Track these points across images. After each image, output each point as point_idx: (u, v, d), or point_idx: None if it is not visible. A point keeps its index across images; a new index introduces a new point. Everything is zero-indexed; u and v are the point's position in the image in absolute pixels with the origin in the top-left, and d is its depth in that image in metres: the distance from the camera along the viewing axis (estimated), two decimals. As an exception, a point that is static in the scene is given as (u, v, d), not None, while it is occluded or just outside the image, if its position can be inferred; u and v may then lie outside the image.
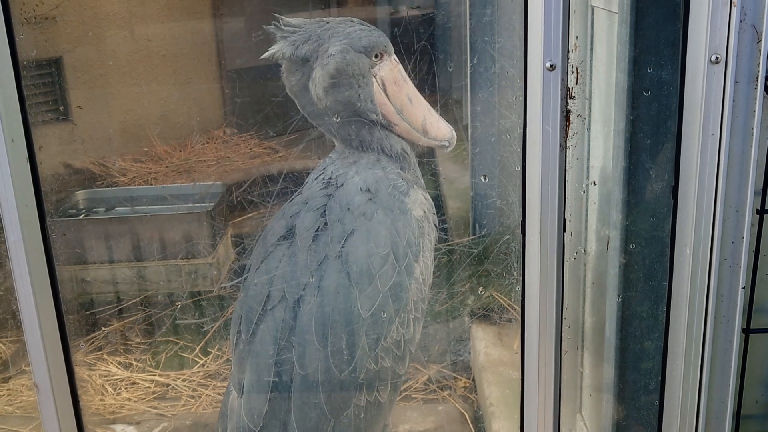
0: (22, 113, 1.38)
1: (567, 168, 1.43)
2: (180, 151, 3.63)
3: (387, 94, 1.61)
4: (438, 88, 1.84)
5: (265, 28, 1.60)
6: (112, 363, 2.85)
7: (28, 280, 1.43)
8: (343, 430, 1.59)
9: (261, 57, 1.61)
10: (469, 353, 2.74)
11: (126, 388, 2.73)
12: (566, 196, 1.44)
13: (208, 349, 2.88)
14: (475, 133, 2.37)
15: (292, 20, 1.60)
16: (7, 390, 2.72)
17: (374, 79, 1.59)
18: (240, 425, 1.61)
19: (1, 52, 1.34)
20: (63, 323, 1.50)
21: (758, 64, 1.32)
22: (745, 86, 1.33)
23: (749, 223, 1.39)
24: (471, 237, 2.56)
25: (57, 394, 1.51)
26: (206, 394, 2.68)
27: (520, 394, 1.53)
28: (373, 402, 1.60)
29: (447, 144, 1.69)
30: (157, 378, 2.77)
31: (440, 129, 1.67)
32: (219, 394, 2.67)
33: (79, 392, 1.58)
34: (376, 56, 1.59)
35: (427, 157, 1.76)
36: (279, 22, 1.60)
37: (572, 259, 1.70)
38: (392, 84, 1.61)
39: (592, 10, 1.78)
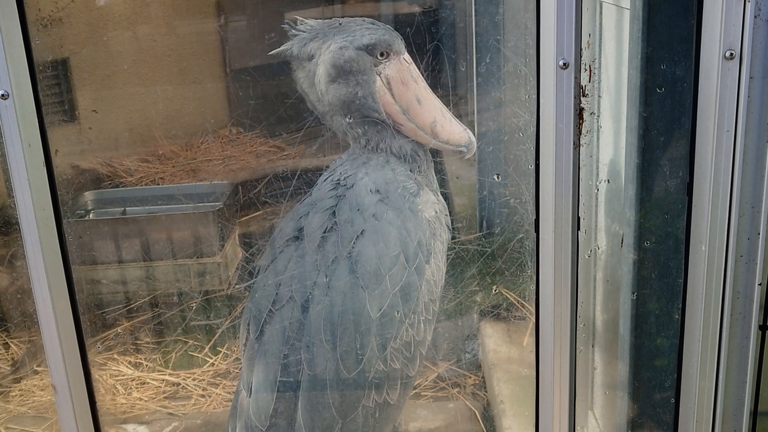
0: (38, 118, 1.39)
1: (580, 166, 1.43)
2: (186, 151, 3.63)
3: (393, 94, 1.60)
4: (450, 87, 1.84)
5: (279, 28, 1.60)
6: (122, 363, 2.86)
7: (45, 283, 1.43)
8: (352, 430, 1.59)
9: (270, 53, 1.61)
10: (479, 350, 2.74)
11: (137, 388, 2.74)
12: (580, 194, 1.44)
13: (218, 348, 2.89)
14: (487, 132, 2.37)
15: (308, 20, 1.61)
16: (20, 390, 2.73)
17: (378, 78, 1.59)
18: (248, 425, 1.62)
19: (18, 58, 1.34)
20: (80, 325, 1.50)
21: (773, 60, 1.32)
22: (760, 82, 1.33)
23: (765, 219, 1.39)
24: (478, 233, 2.56)
25: (74, 395, 1.52)
26: (216, 393, 2.69)
27: (534, 391, 1.53)
28: (383, 403, 1.60)
29: (463, 150, 1.65)
30: (167, 377, 2.78)
31: (453, 133, 1.63)
32: (229, 393, 2.67)
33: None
34: (381, 54, 1.58)
35: (435, 157, 1.75)
36: (294, 22, 1.60)
37: (586, 257, 1.70)
38: (399, 84, 1.60)
39: (601, 7, 1.78)
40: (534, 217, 1.44)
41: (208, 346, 2.89)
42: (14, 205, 1.41)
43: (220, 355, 2.86)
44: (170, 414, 2.61)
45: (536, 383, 1.51)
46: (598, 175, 1.81)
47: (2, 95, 1.35)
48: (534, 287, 1.47)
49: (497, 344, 2.61)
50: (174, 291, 3.11)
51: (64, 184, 1.52)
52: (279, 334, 1.60)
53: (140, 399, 2.68)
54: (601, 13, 1.78)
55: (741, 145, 1.35)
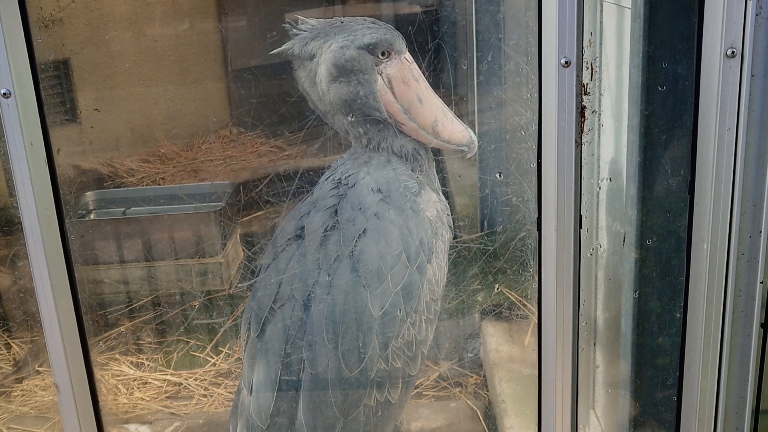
0: (40, 117, 1.39)
1: (582, 164, 1.43)
2: (187, 151, 3.64)
3: (394, 93, 1.61)
4: (451, 86, 1.84)
5: (280, 27, 1.60)
6: (124, 363, 2.86)
7: (47, 282, 1.43)
8: (353, 429, 1.59)
9: (271, 53, 1.62)
10: (480, 349, 2.74)
11: (139, 388, 2.74)
12: (582, 193, 1.44)
13: (220, 348, 2.89)
14: (489, 130, 2.37)
15: (309, 20, 1.61)
16: (22, 390, 2.74)
17: (380, 77, 1.59)
18: (250, 423, 1.63)
19: (19, 57, 1.34)
20: (82, 324, 1.51)
21: (775, 58, 1.32)
22: (762, 80, 1.33)
23: (767, 217, 1.39)
24: (480, 232, 2.57)
25: (77, 395, 1.52)
26: (218, 393, 2.69)
27: (536, 390, 1.53)
28: (384, 402, 1.61)
29: (465, 149, 1.65)
30: (169, 377, 2.78)
31: (454, 132, 1.64)
32: (231, 392, 2.68)
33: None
34: (382, 54, 1.59)
35: (437, 156, 1.75)
36: (295, 21, 1.61)
37: (588, 256, 1.70)
38: (400, 83, 1.60)
39: (602, 5, 1.78)
40: (536, 215, 1.44)
41: (210, 345, 2.89)
42: (16, 204, 1.42)
43: (222, 355, 2.86)
44: (172, 414, 2.61)
45: (538, 382, 1.51)
46: (599, 173, 1.81)
47: (4, 94, 1.35)
48: (536, 286, 1.47)
49: (499, 343, 2.61)
50: (176, 291, 3.12)
51: (65, 184, 1.52)
52: (280, 333, 1.61)
53: (142, 399, 2.68)
54: (602, 11, 1.78)
55: (742, 143, 1.35)
